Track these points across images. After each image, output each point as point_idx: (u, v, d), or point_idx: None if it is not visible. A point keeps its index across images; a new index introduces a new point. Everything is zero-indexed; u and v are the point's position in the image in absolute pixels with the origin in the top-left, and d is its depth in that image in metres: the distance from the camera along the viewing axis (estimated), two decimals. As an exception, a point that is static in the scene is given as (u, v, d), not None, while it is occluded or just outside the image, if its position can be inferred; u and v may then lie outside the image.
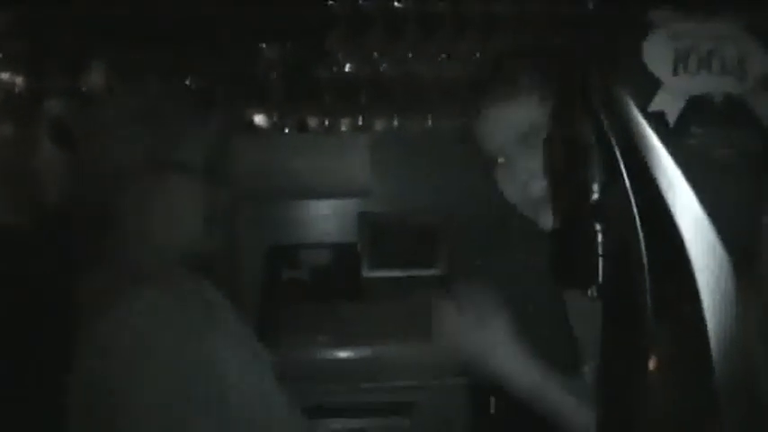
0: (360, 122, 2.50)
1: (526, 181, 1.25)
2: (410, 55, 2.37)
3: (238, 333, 1.18)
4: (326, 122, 2.47)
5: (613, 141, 0.73)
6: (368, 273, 2.42)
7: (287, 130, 2.47)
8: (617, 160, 0.73)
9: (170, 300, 1.13)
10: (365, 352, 2.07)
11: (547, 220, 1.25)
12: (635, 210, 0.72)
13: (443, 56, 2.38)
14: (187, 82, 2.29)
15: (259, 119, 2.43)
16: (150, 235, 1.22)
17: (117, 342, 1.10)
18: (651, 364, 0.73)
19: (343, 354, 2.07)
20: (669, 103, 0.71)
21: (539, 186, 1.22)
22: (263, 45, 2.36)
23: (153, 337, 1.10)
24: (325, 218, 2.61)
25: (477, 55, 2.35)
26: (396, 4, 2.28)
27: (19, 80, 2.17)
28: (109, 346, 1.11)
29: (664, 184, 0.70)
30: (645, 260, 0.72)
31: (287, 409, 1.19)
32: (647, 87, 0.71)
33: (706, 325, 0.70)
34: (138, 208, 1.20)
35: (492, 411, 2.11)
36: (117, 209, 1.20)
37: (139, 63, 2.17)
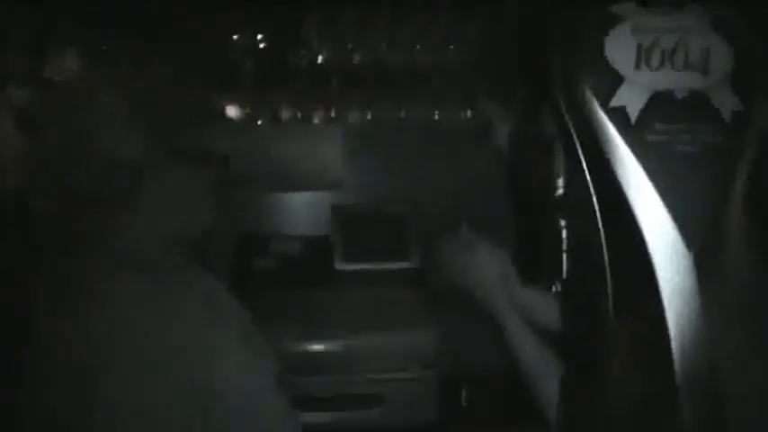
0: (333, 114, 2.47)
1: None
2: (384, 45, 2.35)
3: (240, 329, 1.13)
4: (299, 114, 2.44)
5: (575, 137, 0.73)
6: (340, 265, 2.41)
7: (259, 122, 2.44)
8: (579, 156, 0.73)
9: (169, 287, 1.09)
10: (337, 344, 2.06)
11: None
12: (596, 205, 0.72)
13: (417, 46, 2.36)
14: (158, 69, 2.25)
15: (231, 109, 2.41)
16: (141, 221, 1.18)
17: (111, 327, 1.05)
18: (612, 358, 0.73)
19: (314, 346, 2.06)
20: (631, 98, 0.71)
21: None
22: (235, 34, 2.33)
23: (151, 324, 1.05)
24: (298, 209, 2.60)
25: (450, 45, 2.34)
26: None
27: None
28: (103, 332, 1.06)
29: (624, 180, 0.70)
30: (606, 255, 0.72)
31: (286, 411, 1.14)
32: (608, 82, 0.71)
33: (666, 319, 0.70)
34: (133, 195, 1.16)
35: (463, 403, 2.12)
36: (107, 195, 1.15)
37: (108, 50, 2.13)
